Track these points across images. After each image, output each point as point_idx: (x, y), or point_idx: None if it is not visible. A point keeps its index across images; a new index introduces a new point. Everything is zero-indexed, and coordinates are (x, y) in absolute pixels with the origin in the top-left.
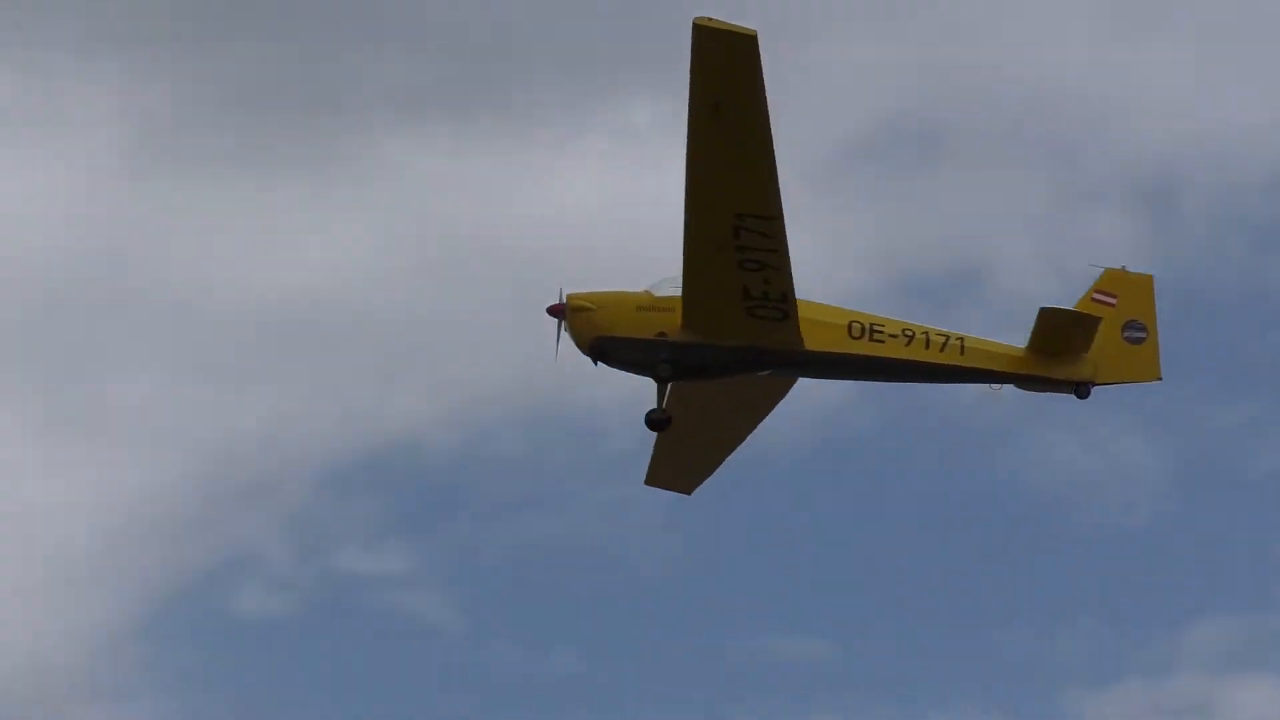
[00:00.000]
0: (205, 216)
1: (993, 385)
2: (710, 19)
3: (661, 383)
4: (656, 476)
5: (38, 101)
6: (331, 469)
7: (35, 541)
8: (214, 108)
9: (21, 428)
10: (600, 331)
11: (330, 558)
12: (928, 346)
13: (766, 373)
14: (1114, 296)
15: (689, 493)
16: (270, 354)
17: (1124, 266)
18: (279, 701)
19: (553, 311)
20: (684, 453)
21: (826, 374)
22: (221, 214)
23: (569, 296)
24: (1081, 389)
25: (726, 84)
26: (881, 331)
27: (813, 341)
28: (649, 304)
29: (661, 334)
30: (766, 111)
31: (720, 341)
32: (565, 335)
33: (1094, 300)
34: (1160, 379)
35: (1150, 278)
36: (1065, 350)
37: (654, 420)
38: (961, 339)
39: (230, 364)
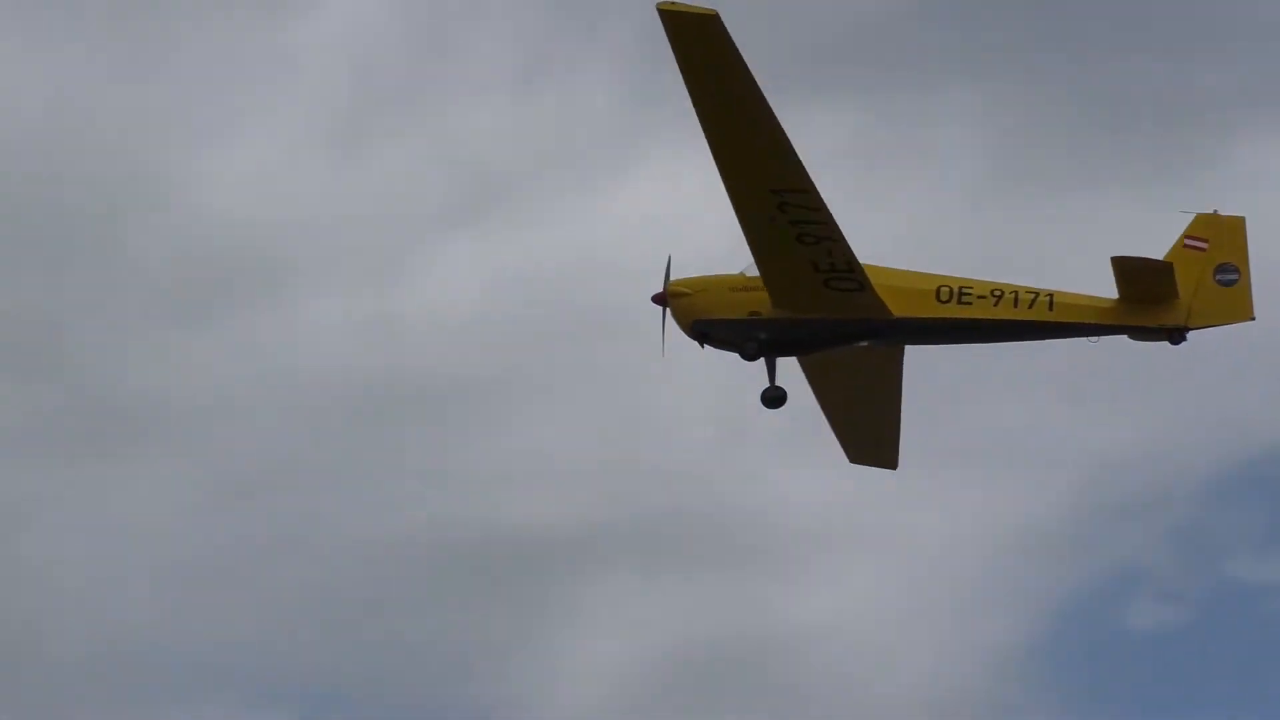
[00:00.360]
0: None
1: (1090, 338)
2: (672, 3)
3: (751, 359)
4: (859, 455)
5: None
6: (1214, 479)
7: (920, 566)
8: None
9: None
10: (699, 314)
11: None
12: (1016, 305)
13: (864, 344)
14: (1205, 241)
15: (894, 467)
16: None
17: (1215, 210)
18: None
19: (657, 300)
20: (860, 429)
21: (920, 340)
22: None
23: (670, 284)
24: (1175, 335)
25: (707, 66)
26: (970, 293)
27: (901, 308)
28: (741, 284)
29: (754, 313)
30: (756, 86)
31: (808, 315)
32: (671, 322)
33: (1185, 246)
34: (1253, 318)
35: (1242, 219)
36: (1151, 298)
37: (770, 398)
38: (1051, 294)
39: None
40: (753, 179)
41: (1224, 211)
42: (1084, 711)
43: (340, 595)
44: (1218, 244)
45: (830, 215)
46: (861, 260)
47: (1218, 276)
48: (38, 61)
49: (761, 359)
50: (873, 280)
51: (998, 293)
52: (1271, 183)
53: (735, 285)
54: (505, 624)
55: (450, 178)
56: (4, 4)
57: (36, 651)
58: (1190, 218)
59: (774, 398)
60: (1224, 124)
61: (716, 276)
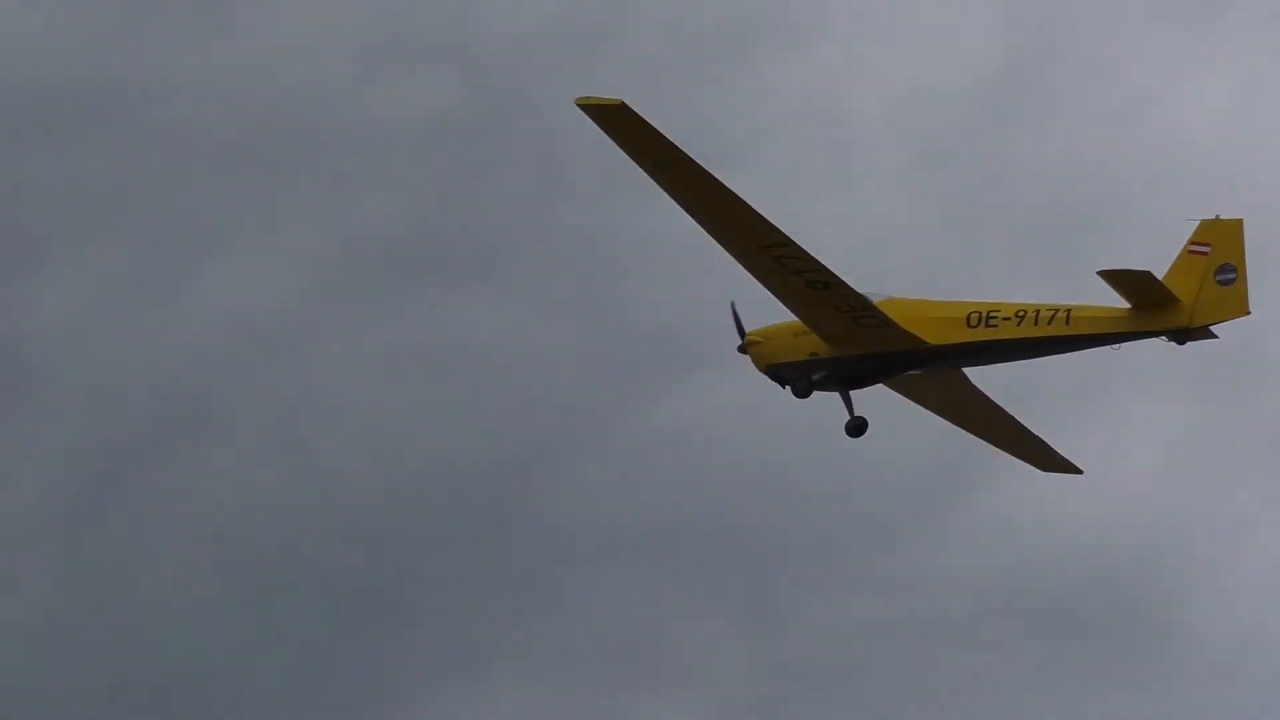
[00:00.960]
0: None
1: (1113, 346)
2: (586, 97)
3: (801, 397)
4: (1042, 464)
5: None
6: None
7: None
8: None
9: None
10: (770, 360)
11: None
12: (1037, 322)
13: (916, 372)
14: (1207, 245)
15: (1078, 471)
16: None
17: (1217, 215)
18: None
19: (742, 350)
20: (1015, 444)
21: (960, 362)
22: None
23: (748, 334)
24: (1176, 335)
25: (639, 147)
26: (996, 315)
27: (937, 336)
28: (801, 329)
29: (814, 354)
30: (688, 159)
31: (856, 351)
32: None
33: (1190, 252)
34: (1249, 313)
35: (1239, 221)
36: (1151, 304)
37: (852, 428)
38: (1070, 309)
39: None
40: (741, 239)
41: (1224, 215)
42: None
43: None
44: (1219, 246)
45: (819, 263)
46: (895, 294)
47: (1218, 277)
48: None
49: (819, 393)
50: (908, 312)
51: (1021, 313)
52: None
53: (796, 330)
54: None
55: None
56: None
57: None
58: (1195, 224)
59: (856, 427)
60: None
61: (781, 324)
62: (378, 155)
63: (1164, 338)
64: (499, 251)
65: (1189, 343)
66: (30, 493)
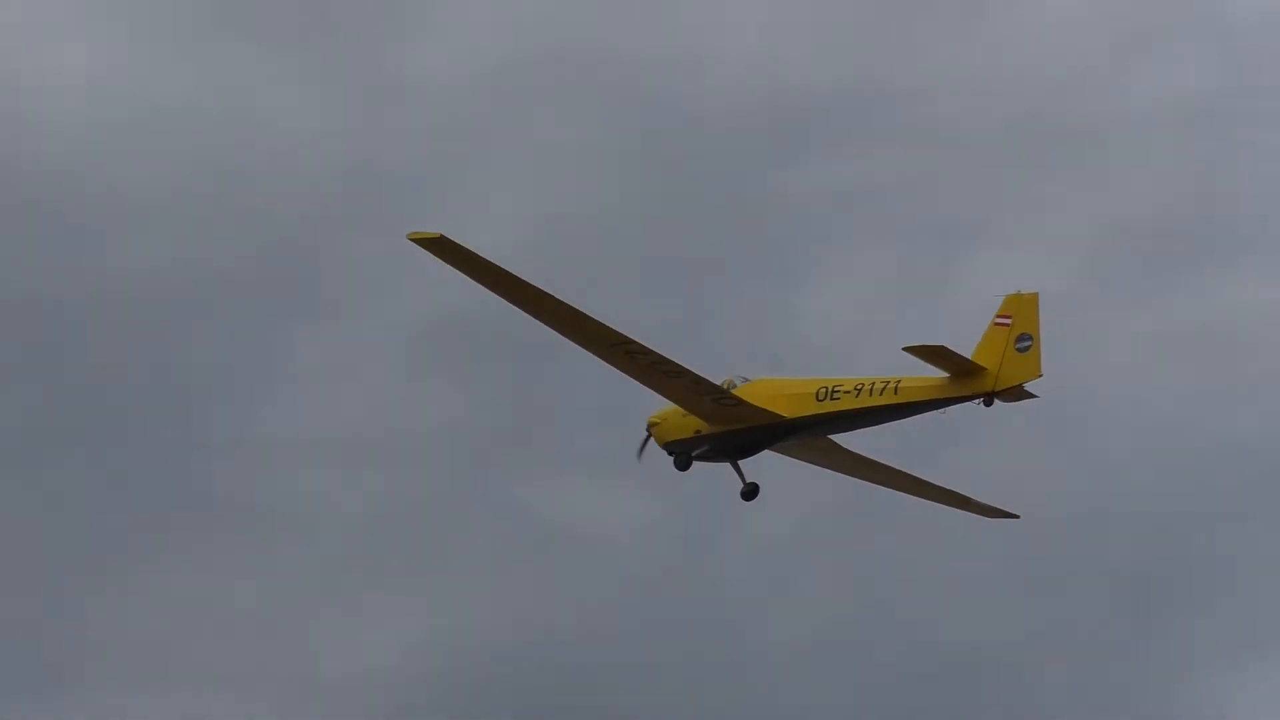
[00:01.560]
0: None
1: (941, 410)
2: (413, 232)
3: (682, 470)
4: (981, 510)
5: None
6: None
7: None
8: None
9: None
10: (665, 439)
11: None
12: (872, 394)
13: (789, 440)
14: (1009, 317)
15: (1014, 516)
16: None
17: (1019, 290)
18: None
19: (645, 440)
20: (938, 494)
21: (818, 432)
22: None
23: (649, 418)
24: (985, 399)
25: (474, 271)
26: (840, 390)
27: (791, 411)
28: (685, 411)
29: (697, 431)
30: (514, 279)
31: (728, 427)
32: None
33: (996, 324)
34: (1040, 375)
35: (1035, 295)
36: (960, 373)
37: (745, 493)
38: (898, 381)
39: None
40: (591, 339)
41: (1024, 289)
42: None
43: None
44: (1019, 317)
45: (664, 356)
46: (759, 374)
47: (1018, 345)
48: None
49: (692, 467)
50: (768, 391)
51: (859, 386)
52: None
53: (683, 411)
54: None
55: None
56: None
57: None
58: (1001, 299)
59: (748, 493)
60: None
61: (672, 407)
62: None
63: (978, 401)
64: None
65: (1017, 401)
66: None
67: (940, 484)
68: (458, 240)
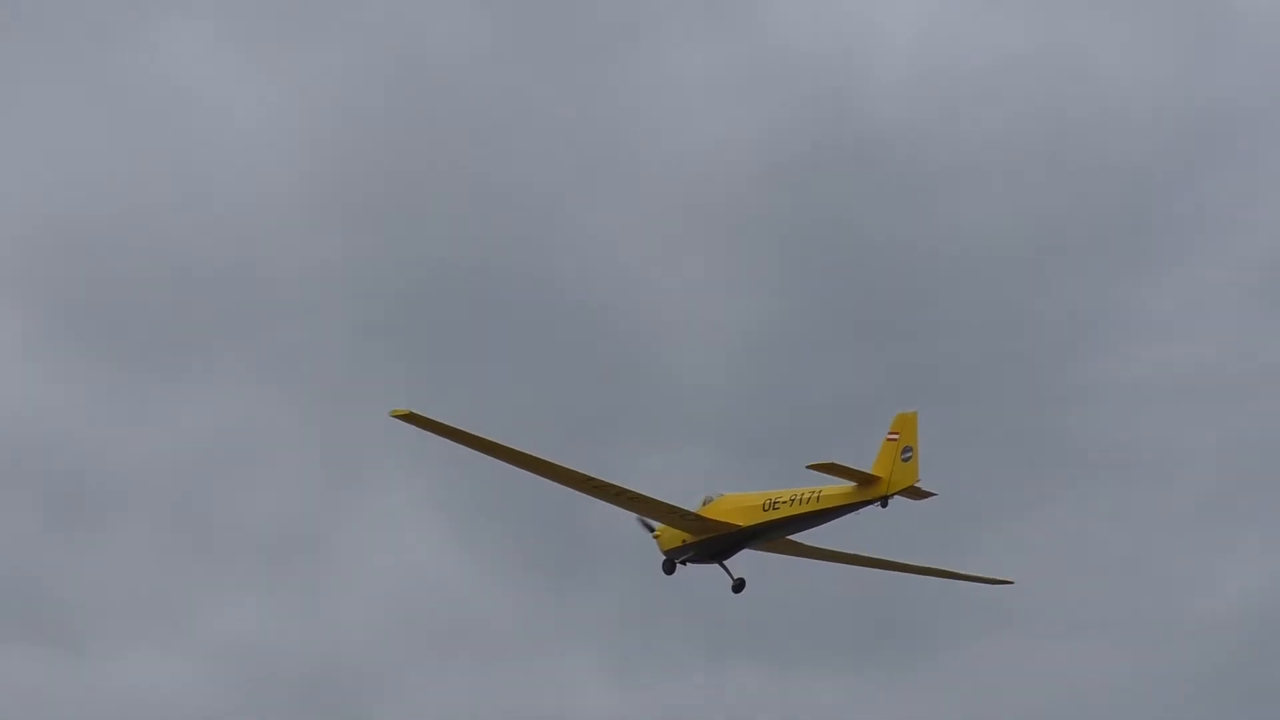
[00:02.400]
0: None
1: (855, 511)
2: (395, 410)
3: (668, 574)
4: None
5: None
6: None
7: None
8: None
9: None
10: (664, 548)
11: None
12: (803, 503)
13: (755, 542)
14: (897, 433)
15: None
16: None
17: (902, 411)
18: None
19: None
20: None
21: (770, 536)
22: None
23: (654, 530)
24: (881, 502)
25: (449, 436)
26: (779, 501)
27: (746, 520)
28: (692, 524)
29: (684, 541)
30: (481, 441)
31: (703, 537)
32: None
33: (888, 440)
34: (918, 480)
35: (914, 414)
36: (860, 481)
37: (734, 587)
38: (819, 491)
39: None
40: (561, 480)
41: (904, 409)
42: None
43: None
44: (904, 433)
45: (623, 487)
46: (727, 491)
47: (902, 456)
48: None
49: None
50: (729, 505)
51: (793, 497)
52: None
53: (683, 525)
54: None
55: None
56: None
57: None
58: (892, 417)
59: (736, 586)
60: None
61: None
62: None
63: (877, 504)
64: None
65: (919, 500)
66: None
67: (917, 563)
68: (426, 414)
